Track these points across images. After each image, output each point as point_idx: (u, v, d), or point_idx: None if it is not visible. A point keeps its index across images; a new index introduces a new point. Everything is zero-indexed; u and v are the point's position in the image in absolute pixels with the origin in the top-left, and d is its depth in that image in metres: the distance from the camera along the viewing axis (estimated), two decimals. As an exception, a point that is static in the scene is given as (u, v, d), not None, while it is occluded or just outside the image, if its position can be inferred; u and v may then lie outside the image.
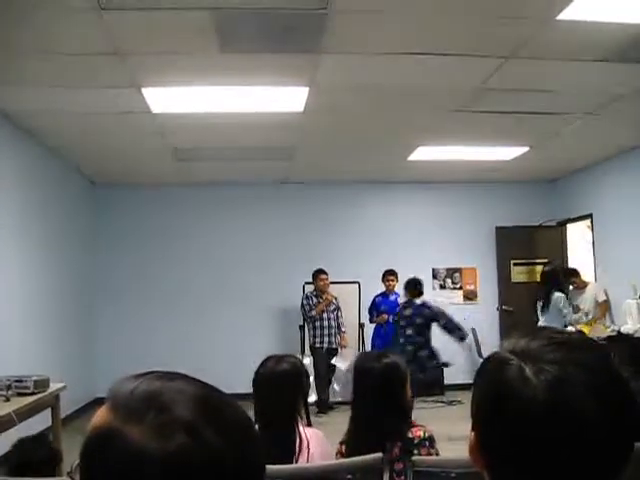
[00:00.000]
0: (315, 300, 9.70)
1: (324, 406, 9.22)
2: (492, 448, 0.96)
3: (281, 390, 2.93)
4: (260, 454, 0.89)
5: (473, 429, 1.01)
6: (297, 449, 2.80)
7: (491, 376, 0.99)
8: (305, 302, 9.75)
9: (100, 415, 0.84)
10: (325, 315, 9.60)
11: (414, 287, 8.74)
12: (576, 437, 0.89)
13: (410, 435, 2.83)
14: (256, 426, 2.78)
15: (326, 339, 9.61)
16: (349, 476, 2.51)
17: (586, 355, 0.95)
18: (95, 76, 5.70)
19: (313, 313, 9.60)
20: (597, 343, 0.99)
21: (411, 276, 8.91)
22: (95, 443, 0.83)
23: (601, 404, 0.90)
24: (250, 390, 3.00)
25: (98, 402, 9.72)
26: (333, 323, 9.71)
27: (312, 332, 9.68)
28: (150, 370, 0.89)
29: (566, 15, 4.62)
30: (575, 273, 9.68)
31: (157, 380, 0.86)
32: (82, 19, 4.55)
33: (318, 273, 9.78)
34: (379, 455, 2.48)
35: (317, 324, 9.62)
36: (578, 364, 0.92)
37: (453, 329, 8.38)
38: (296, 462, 2.74)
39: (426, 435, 2.83)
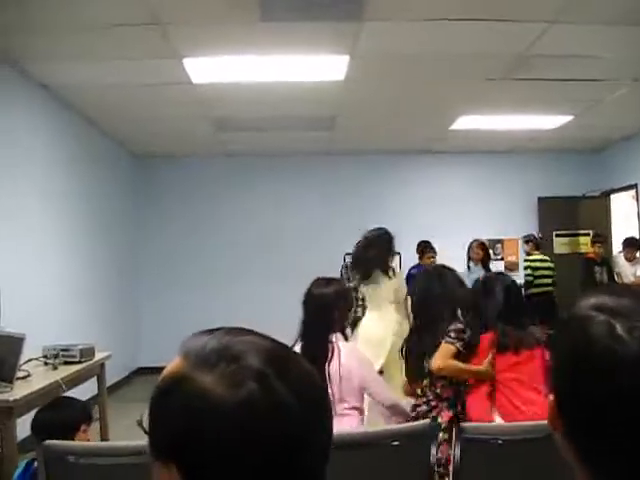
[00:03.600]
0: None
1: None
2: (574, 412, 0.90)
3: (323, 308, 3.54)
4: (330, 418, 0.89)
5: (553, 392, 0.96)
6: (329, 356, 3.34)
7: (574, 334, 0.91)
8: (344, 271, 9.74)
9: (173, 364, 0.87)
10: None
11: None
12: None
13: None
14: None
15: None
16: (395, 442, 2.49)
17: None
18: (135, 47, 5.72)
19: (352, 284, 9.58)
20: None
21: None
22: (166, 388, 0.85)
23: None
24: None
25: (141, 371, 9.88)
26: None
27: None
28: (221, 327, 0.92)
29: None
30: (636, 243, 9.45)
31: (227, 334, 0.89)
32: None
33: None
34: (427, 422, 2.47)
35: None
36: None
37: None
38: (328, 366, 3.28)
39: None
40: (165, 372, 0.87)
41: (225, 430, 0.79)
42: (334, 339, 3.45)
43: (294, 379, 0.84)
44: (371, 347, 5.10)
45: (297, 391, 0.82)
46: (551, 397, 0.95)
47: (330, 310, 3.55)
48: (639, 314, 0.86)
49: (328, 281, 3.73)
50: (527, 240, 9.88)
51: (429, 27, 5.43)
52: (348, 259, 9.80)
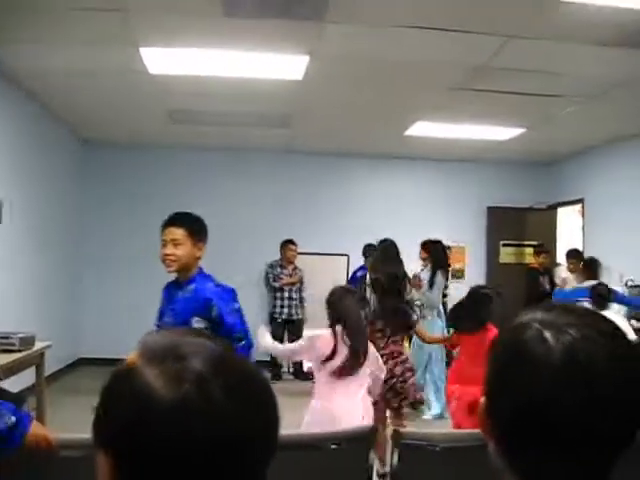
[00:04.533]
0: (279, 270, 9.68)
1: (276, 374, 9.37)
2: (503, 412, 0.97)
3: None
4: (274, 422, 0.91)
5: (485, 394, 1.02)
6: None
7: (509, 338, 1.01)
8: (269, 270, 9.73)
9: (130, 355, 0.90)
10: (288, 287, 9.58)
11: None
12: (590, 401, 0.89)
13: None
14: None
15: (285, 310, 9.63)
16: (334, 445, 2.51)
17: (603, 323, 0.97)
18: (92, 32, 5.60)
19: (277, 284, 9.58)
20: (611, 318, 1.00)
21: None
22: (116, 378, 0.89)
23: (619, 369, 0.91)
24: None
25: (83, 362, 9.74)
26: (295, 295, 9.72)
27: (272, 302, 9.69)
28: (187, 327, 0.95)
29: (572, -3, 4.60)
30: (578, 255, 9.65)
31: (184, 335, 0.92)
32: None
33: (287, 243, 9.76)
34: (366, 425, 2.49)
35: (277, 294, 9.61)
36: (596, 329, 0.94)
37: None
38: None
39: None
40: (124, 363, 0.89)
41: (160, 426, 0.81)
42: None
43: (235, 384, 0.86)
44: None
45: (236, 396, 0.84)
46: (482, 400, 1.00)
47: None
48: (567, 325, 0.94)
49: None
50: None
51: (392, 33, 5.47)
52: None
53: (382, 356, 4.76)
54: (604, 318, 0.99)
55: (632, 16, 4.89)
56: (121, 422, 0.84)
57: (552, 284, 9.58)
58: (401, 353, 5.50)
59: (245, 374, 0.90)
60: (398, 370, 5.29)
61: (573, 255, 9.72)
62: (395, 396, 5.25)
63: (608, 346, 0.92)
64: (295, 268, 9.77)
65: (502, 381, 0.98)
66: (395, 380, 5.23)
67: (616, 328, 0.97)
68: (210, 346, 0.89)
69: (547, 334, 0.94)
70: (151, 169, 10.55)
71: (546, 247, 10.21)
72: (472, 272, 11.05)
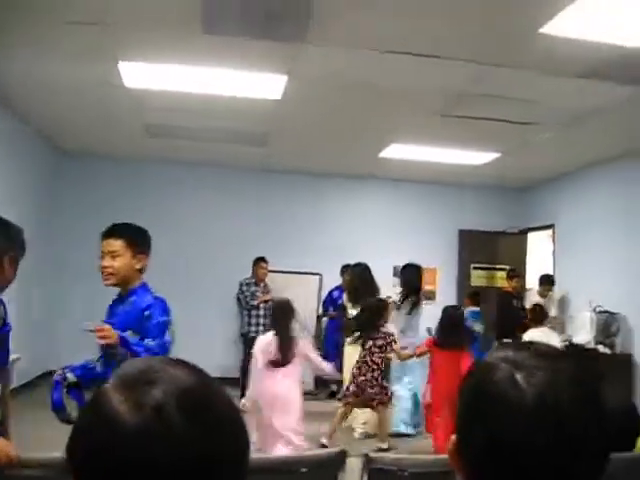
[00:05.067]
0: (253, 288, 9.64)
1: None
2: (473, 450, 0.98)
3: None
4: (240, 446, 0.92)
5: (456, 432, 1.03)
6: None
7: (480, 378, 1.01)
8: (245, 289, 9.67)
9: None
10: (262, 304, 9.54)
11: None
12: (561, 443, 0.91)
13: None
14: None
15: (261, 328, 9.58)
16: (304, 469, 2.52)
17: (571, 365, 0.99)
18: (73, 45, 5.61)
19: (255, 302, 9.53)
20: (581, 355, 1.03)
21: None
22: (91, 401, 0.91)
23: (587, 411, 0.94)
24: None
25: (50, 375, 9.61)
26: (267, 312, 9.70)
27: (247, 320, 9.60)
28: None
29: (548, 29, 4.69)
30: (551, 281, 9.82)
31: (161, 362, 0.94)
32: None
33: (259, 261, 9.69)
34: (334, 450, 2.50)
35: (252, 313, 9.55)
36: (565, 373, 0.96)
37: None
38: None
39: None
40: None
41: (123, 450, 0.83)
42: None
43: (197, 410, 0.87)
44: None
45: (199, 421, 0.86)
46: (453, 437, 1.02)
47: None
48: (537, 367, 0.96)
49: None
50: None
51: (370, 57, 5.52)
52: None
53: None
54: (573, 361, 1.00)
55: (602, 49, 5.00)
56: (88, 445, 0.86)
57: (523, 308, 9.67)
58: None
59: (209, 400, 0.91)
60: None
61: (546, 281, 9.85)
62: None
63: (577, 390, 0.94)
64: (265, 285, 9.74)
65: (473, 421, 0.99)
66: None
67: (585, 371, 0.99)
68: (180, 373, 0.91)
69: (518, 376, 0.95)
70: (127, 182, 10.48)
71: (518, 272, 10.32)
72: (443, 294, 11.10)
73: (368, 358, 6.83)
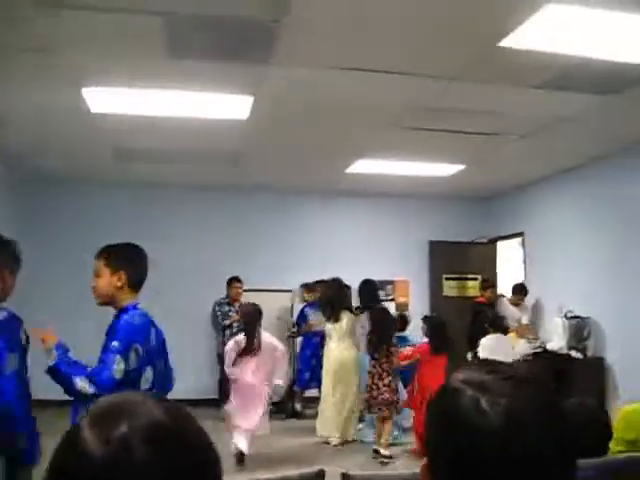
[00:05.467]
0: (226, 308, 9.59)
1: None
2: (442, 474, 1.01)
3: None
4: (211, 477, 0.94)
5: (426, 455, 1.06)
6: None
7: (446, 404, 1.03)
8: (218, 308, 9.62)
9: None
10: (235, 323, 9.49)
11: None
12: (527, 466, 0.94)
13: None
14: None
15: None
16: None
17: (537, 391, 1.01)
18: (34, 72, 5.60)
19: (227, 322, 9.48)
20: (545, 380, 1.05)
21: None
22: (68, 433, 0.94)
23: (549, 436, 0.96)
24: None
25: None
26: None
27: (222, 339, 9.41)
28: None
29: (507, 43, 4.78)
30: (524, 290, 9.96)
31: (136, 396, 0.97)
32: (26, 14, 4.47)
33: (233, 281, 9.67)
34: (314, 470, 2.52)
35: (227, 332, 9.46)
36: (530, 399, 0.98)
37: None
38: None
39: None
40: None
41: None
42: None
43: (166, 447, 0.89)
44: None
45: (164, 454, 0.88)
46: (425, 460, 1.05)
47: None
48: (502, 390, 0.98)
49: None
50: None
51: (333, 75, 5.59)
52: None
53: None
54: (538, 384, 1.03)
55: (563, 60, 5.11)
56: (60, 476, 0.90)
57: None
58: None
59: (178, 434, 0.92)
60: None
61: (519, 290, 9.97)
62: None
63: (541, 414, 0.97)
64: (241, 305, 9.70)
65: (440, 445, 1.02)
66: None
67: (548, 393, 1.03)
68: (151, 408, 0.93)
69: (483, 402, 0.97)
70: (95, 206, 10.42)
71: (491, 282, 10.42)
72: (416, 306, 11.16)
73: (385, 366, 7.29)
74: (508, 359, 6.97)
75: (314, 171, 9.65)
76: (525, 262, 10.56)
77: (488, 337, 7.74)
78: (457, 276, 11.39)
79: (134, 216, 10.43)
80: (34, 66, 5.45)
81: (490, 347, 7.43)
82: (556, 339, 8.71)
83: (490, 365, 1.08)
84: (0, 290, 3.50)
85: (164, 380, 3.42)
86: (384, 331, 7.42)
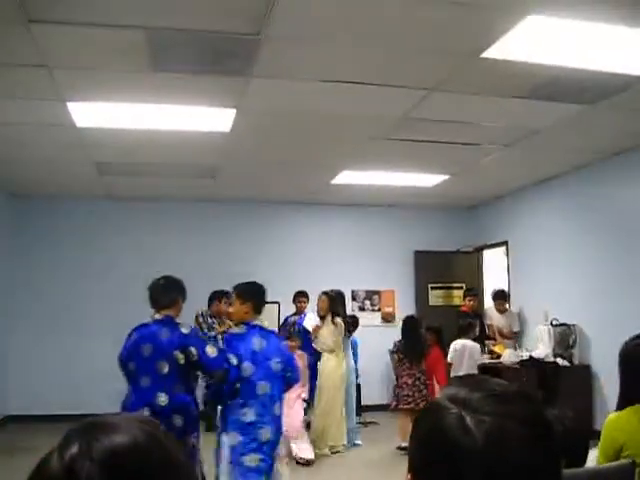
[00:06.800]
0: (210, 320, 9.49)
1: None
2: None
3: None
4: None
5: (410, 471, 1.06)
6: None
7: (431, 423, 1.03)
8: (202, 319, 9.52)
9: None
10: (220, 335, 9.40)
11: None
12: None
13: None
14: None
15: None
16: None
17: (522, 408, 1.01)
18: (19, 87, 5.59)
19: (214, 333, 9.39)
20: (531, 395, 1.05)
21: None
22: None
23: (534, 455, 0.96)
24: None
25: (10, 420, 9.43)
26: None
27: None
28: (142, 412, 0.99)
29: (489, 54, 4.81)
30: (503, 296, 10.03)
31: (115, 418, 0.97)
32: (9, 30, 4.47)
33: (218, 295, 9.60)
34: None
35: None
36: (515, 417, 0.98)
37: None
38: None
39: None
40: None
41: None
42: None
43: (121, 470, 0.89)
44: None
45: (115, 473, 0.88)
46: (409, 476, 1.05)
47: None
48: (488, 407, 0.98)
49: None
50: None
51: (314, 87, 5.60)
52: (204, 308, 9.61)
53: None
54: (524, 398, 1.03)
55: (542, 71, 5.14)
56: None
57: (482, 326, 9.79)
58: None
59: (145, 457, 0.92)
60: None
61: (499, 296, 10.02)
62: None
63: (527, 434, 0.97)
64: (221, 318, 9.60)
65: (425, 463, 1.02)
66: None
67: (537, 412, 1.03)
68: (121, 434, 0.92)
69: (468, 421, 0.97)
70: (80, 220, 10.40)
71: (474, 291, 10.47)
72: (402, 315, 11.13)
73: (416, 369, 8.10)
74: (472, 364, 8.15)
75: (299, 182, 9.65)
76: (509, 270, 10.59)
77: (456, 342, 8.32)
78: (443, 285, 11.43)
79: (118, 231, 10.44)
80: (19, 81, 5.44)
81: (456, 351, 8.23)
82: (541, 347, 8.72)
83: (476, 381, 1.08)
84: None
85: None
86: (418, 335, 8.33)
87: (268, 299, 10.03)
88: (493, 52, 4.80)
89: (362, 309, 11.29)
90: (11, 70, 5.20)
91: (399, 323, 10.39)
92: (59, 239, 10.28)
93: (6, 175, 8.99)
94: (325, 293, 8.44)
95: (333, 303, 8.35)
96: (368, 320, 11.09)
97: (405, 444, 7.32)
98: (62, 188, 9.85)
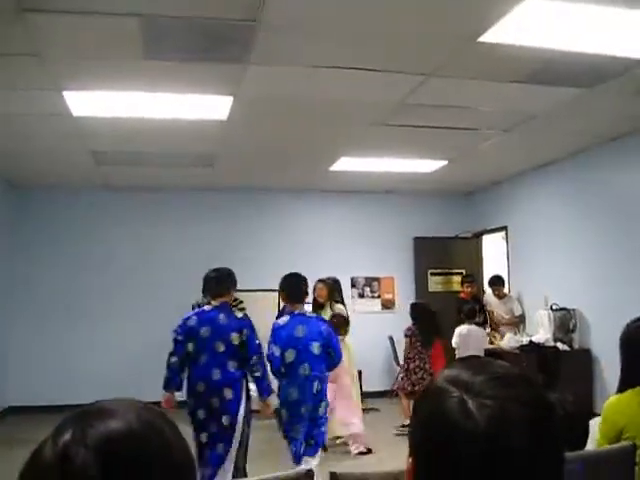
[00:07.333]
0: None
1: None
2: (429, 476, 1.00)
3: None
4: None
5: (411, 455, 1.05)
6: None
7: (432, 406, 1.02)
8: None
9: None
10: None
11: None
12: (512, 470, 0.94)
13: None
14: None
15: None
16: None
17: (524, 391, 1.00)
18: (15, 77, 5.57)
19: None
20: (532, 378, 1.04)
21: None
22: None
23: (536, 438, 0.96)
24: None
25: (11, 411, 9.46)
26: None
27: None
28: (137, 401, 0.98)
29: (486, 38, 4.78)
30: (500, 281, 10.05)
31: (112, 404, 0.96)
32: (3, 19, 4.44)
33: None
34: (302, 469, 2.51)
35: None
36: (517, 400, 0.97)
37: None
38: None
39: None
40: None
41: None
42: None
43: (117, 457, 0.87)
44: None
45: (105, 462, 0.86)
46: (410, 460, 1.04)
47: None
48: (490, 390, 0.98)
49: None
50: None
51: (313, 73, 5.57)
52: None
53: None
54: (526, 382, 1.02)
55: (541, 54, 5.11)
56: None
57: (482, 311, 9.81)
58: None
59: (141, 443, 0.90)
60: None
61: (496, 282, 10.04)
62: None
63: (529, 417, 0.96)
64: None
65: (426, 447, 1.01)
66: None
67: (539, 395, 1.02)
68: (118, 420, 0.91)
69: (470, 404, 0.96)
70: (79, 211, 10.39)
71: (471, 277, 10.48)
72: (402, 302, 11.18)
73: (417, 350, 8.38)
74: (479, 347, 8.19)
75: (297, 170, 9.64)
76: (509, 255, 10.60)
77: (461, 327, 8.41)
78: (442, 271, 11.43)
79: (116, 221, 10.44)
80: (14, 71, 5.41)
81: (461, 336, 8.34)
82: (542, 331, 8.74)
83: (478, 364, 1.07)
84: None
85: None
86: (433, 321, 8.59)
87: (268, 287, 10.21)
88: (490, 36, 4.77)
89: (362, 296, 11.31)
90: (5, 60, 5.17)
91: (398, 310, 10.48)
92: (58, 230, 10.27)
93: (4, 166, 8.98)
94: (322, 281, 8.37)
95: (332, 291, 8.34)
96: (368, 307, 11.14)
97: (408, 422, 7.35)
98: (60, 179, 9.83)
